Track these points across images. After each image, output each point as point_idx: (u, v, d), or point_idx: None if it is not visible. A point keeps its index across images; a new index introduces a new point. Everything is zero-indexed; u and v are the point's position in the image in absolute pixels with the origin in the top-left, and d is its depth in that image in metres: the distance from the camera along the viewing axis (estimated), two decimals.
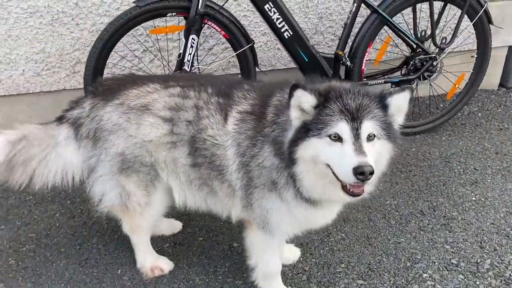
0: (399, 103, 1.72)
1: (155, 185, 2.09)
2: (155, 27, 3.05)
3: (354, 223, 2.70)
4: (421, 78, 3.40)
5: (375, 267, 2.40)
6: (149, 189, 2.09)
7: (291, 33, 3.04)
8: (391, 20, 3.15)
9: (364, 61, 3.25)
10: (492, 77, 4.20)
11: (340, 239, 2.59)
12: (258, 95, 1.95)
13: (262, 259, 2.11)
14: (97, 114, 2.01)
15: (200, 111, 1.94)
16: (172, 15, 2.84)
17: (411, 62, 3.36)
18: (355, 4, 3.11)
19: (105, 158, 2.04)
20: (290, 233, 2.02)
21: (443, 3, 3.33)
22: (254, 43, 3.09)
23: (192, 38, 2.82)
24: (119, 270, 2.35)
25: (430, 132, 3.64)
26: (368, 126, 1.62)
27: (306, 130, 1.65)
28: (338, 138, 1.61)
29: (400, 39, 3.37)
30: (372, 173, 1.53)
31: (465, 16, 3.31)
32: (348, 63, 3.14)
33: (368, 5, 3.13)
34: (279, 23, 2.99)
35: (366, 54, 3.23)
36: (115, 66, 3.35)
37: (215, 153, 1.92)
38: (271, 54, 3.71)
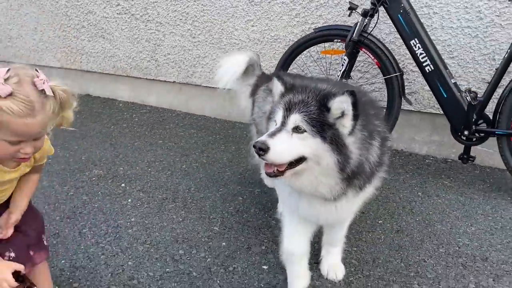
0: (341, 107, 1.70)
1: None
2: (325, 48, 3.97)
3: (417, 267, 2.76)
4: None
5: None
6: None
7: (432, 68, 3.31)
8: None
9: None
10: None
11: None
12: None
13: (283, 233, 2.33)
14: (257, 90, 3.07)
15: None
16: (337, 41, 3.72)
17: None
18: (509, 50, 3.06)
19: (252, 119, 3.16)
20: (294, 216, 2.20)
21: None
22: (403, 74, 3.52)
23: (343, 59, 3.60)
24: None
25: None
26: (296, 119, 1.72)
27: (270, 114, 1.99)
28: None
29: None
30: (262, 149, 1.65)
31: None
32: (468, 98, 3.08)
33: None
34: (422, 58, 3.34)
35: None
36: None
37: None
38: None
